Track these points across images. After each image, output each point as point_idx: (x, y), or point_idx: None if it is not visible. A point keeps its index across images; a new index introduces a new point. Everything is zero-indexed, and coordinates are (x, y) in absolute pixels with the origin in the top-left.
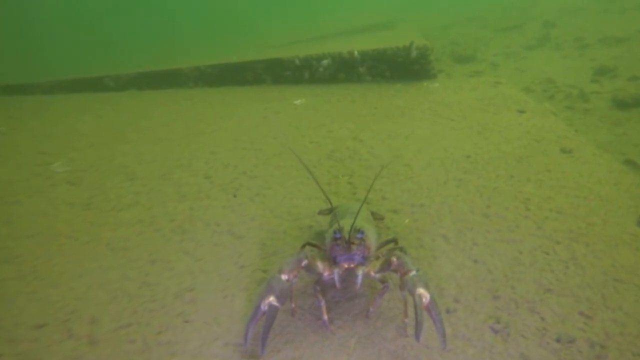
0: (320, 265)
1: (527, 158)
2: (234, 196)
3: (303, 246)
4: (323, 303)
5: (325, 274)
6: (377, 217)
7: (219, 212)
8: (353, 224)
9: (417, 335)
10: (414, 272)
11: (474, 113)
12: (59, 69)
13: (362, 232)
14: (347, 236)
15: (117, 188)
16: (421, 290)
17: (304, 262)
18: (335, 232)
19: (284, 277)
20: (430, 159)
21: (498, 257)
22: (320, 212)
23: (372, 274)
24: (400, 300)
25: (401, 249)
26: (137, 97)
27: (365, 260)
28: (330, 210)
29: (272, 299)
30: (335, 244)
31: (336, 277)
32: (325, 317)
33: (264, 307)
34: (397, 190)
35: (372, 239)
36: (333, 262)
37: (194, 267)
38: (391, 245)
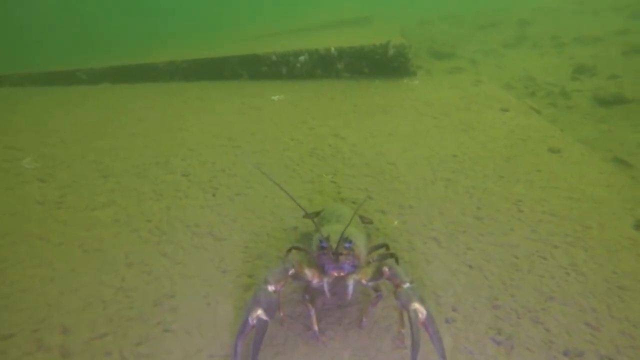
0: (308, 273)
1: (515, 158)
2: (213, 195)
3: (289, 250)
4: (313, 312)
5: (314, 281)
6: (365, 221)
7: (198, 212)
8: (342, 234)
9: (413, 356)
10: (407, 284)
11: (456, 111)
12: (31, 60)
13: (350, 242)
14: (334, 245)
15: (90, 186)
16: (416, 305)
17: (291, 271)
18: (321, 242)
19: (270, 288)
20: (415, 158)
21: (494, 262)
22: (306, 216)
23: (364, 282)
24: (395, 308)
25: (392, 255)
26: (111, 91)
27: (355, 268)
28: (317, 214)
29: (260, 312)
30: (322, 253)
31: (325, 287)
32: (316, 327)
33: (252, 321)
34: (384, 190)
35: (361, 247)
36: (321, 270)
37: (174, 271)
38: (382, 251)
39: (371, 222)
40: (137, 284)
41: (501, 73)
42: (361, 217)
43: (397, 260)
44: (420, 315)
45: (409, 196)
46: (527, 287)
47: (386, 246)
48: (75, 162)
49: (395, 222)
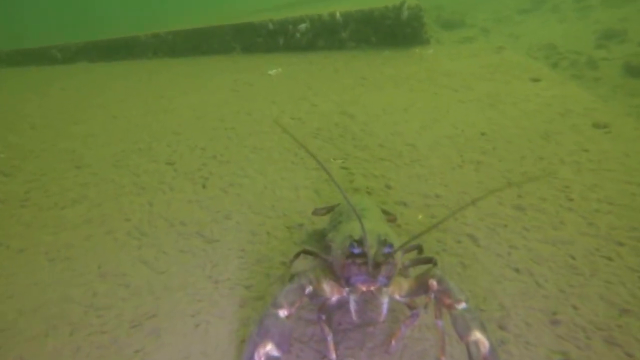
0: (327, 288)
1: (555, 135)
2: (203, 187)
3: (297, 255)
4: (330, 337)
5: (335, 297)
6: (388, 218)
7: (185, 207)
8: (379, 235)
9: None
10: (463, 305)
11: (480, 83)
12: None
13: (391, 246)
14: (371, 252)
15: (60, 179)
16: (477, 335)
17: (308, 289)
18: (351, 246)
19: (282, 313)
20: (437, 137)
21: (546, 264)
22: (316, 212)
23: (398, 297)
24: (430, 328)
25: (430, 261)
26: (89, 70)
27: (390, 280)
28: (329, 209)
29: (269, 347)
30: (353, 262)
31: (352, 308)
32: (334, 356)
33: (259, 358)
34: (403, 176)
35: (399, 252)
36: (345, 282)
37: (156, 283)
38: (413, 255)
39: (395, 220)
40: (112, 301)
41: (517, 43)
42: (384, 212)
43: (436, 264)
44: (482, 349)
45: (433, 183)
46: (593, 297)
47: (420, 248)
48: (45, 152)
49: (420, 216)
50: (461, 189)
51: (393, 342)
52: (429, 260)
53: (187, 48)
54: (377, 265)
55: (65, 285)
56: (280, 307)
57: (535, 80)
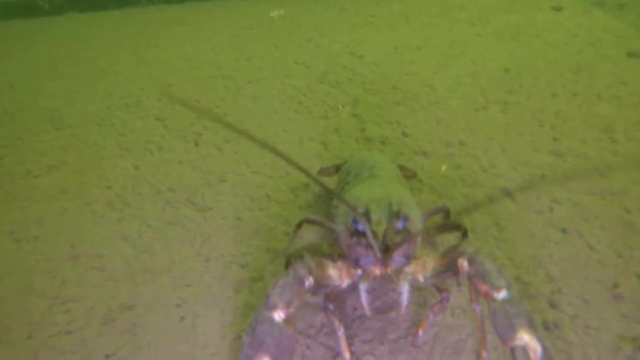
0: (334, 273)
1: (588, 68)
2: (196, 145)
3: (299, 225)
4: (342, 332)
5: (345, 283)
6: (407, 174)
7: (175, 170)
8: (390, 205)
9: None
10: (504, 295)
11: (498, 14)
12: None
13: (406, 217)
14: (379, 230)
15: (36, 142)
16: (525, 338)
17: (308, 281)
18: (355, 222)
19: (277, 316)
20: (457, 76)
21: (597, 221)
22: (321, 172)
23: (422, 278)
24: (465, 311)
25: (459, 227)
26: (78, 21)
27: (409, 259)
28: (338, 168)
29: None
30: (358, 243)
31: (363, 299)
32: (347, 355)
33: None
34: (421, 121)
35: (418, 223)
36: (354, 263)
37: (136, 264)
38: (438, 219)
39: (415, 176)
40: (82, 290)
41: None
42: (401, 168)
43: (466, 234)
44: (532, 355)
45: (456, 128)
46: None
47: (446, 212)
48: (21, 112)
49: (443, 168)
50: (488, 134)
51: (420, 332)
52: (456, 227)
53: None
54: (388, 247)
55: (29, 272)
56: (275, 308)
57: (557, 9)
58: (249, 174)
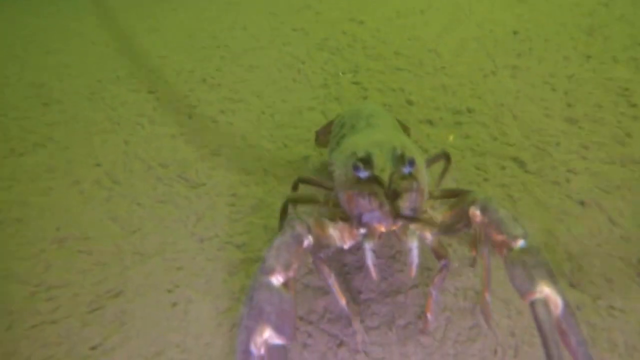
0: (335, 233)
1: (601, 29)
2: (189, 117)
3: (294, 186)
4: (332, 278)
5: (346, 244)
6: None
7: (167, 144)
8: (395, 149)
9: None
10: (521, 243)
11: None
12: None
13: (412, 162)
14: (384, 175)
15: (23, 119)
16: (546, 290)
17: (307, 241)
18: (356, 168)
19: (275, 280)
20: (462, 40)
21: (617, 192)
22: (319, 139)
23: (430, 235)
24: (479, 294)
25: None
26: None
27: (416, 212)
28: (329, 125)
29: (267, 333)
30: (360, 193)
31: (368, 260)
32: (343, 301)
33: (255, 350)
34: (427, 88)
35: (423, 168)
36: (357, 221)
37: (126, 246)
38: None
39: (408, 133)
40: (68, 276)
41: None
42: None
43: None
44: (554, 309)
45: (463, 95)
46: None
47: (447, 157)
48: (8, 87)
49: (451, 138)
50: (497, 99)
51: (429, 316)
52: (464, 192)
53: None
54: (396, 194)
55: (11, 258)
56: (272, 271)
57: None
58: (245, 147)
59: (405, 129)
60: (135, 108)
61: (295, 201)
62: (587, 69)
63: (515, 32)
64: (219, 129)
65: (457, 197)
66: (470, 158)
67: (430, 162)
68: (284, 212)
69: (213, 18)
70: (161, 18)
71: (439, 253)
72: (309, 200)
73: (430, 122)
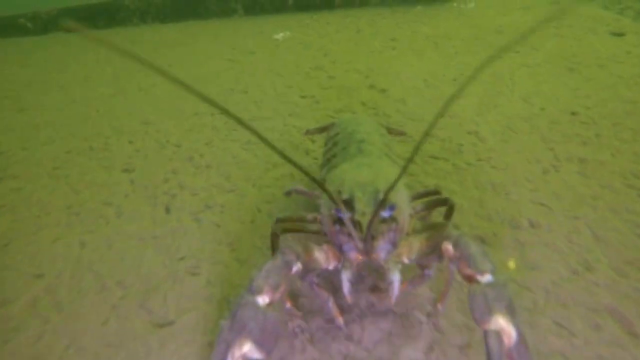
0: (321, 256)
1: None
2: (166, 211)
3: (289, 193)
4: (331, 300)
5: (331, 265)
6: (393, 132)
7: (133, 251)
8: (376, 196)
9: None
10: (488, 278)
11: (546, 41)
12: None
13: (393, 206)
14: (363, 221)
15: None
16: (501, 322)
17: (296, 267)
18: (337, 212)
19: (261, 300)
20: (508, 120)
21: None
22: (308, 132)
23: (406, 260)
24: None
25: (447, 202)
26: (62, 42)
27: (394, 246)
28: (323, 130)
29: (247, 347)
30: (341, 231)
31: (345, 288)
32: (340, 320)
33: None
34: (471, 186)
35: (406, 208)
36: (338, 249)
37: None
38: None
39: (403, 134)
40: None
41: None
42: (389, 130)
43: (452, 210)
44: (506, 341)
45: (521, 199)
46: None
47: (437, 193)
48: None
49: (511, 264)
50: (568, 209)
51: (441, 305)
52: (444, 202)
53: (179, 11)
54: (373, 236)
55: None
56: (259, 291)
57: (618, 34)
58: (232, 261)
59: (397, 131)
60: (103, 193)
61: (283, 228)
62: None
63: (573, 113)
64: (202, 232)
65: (435, 206)
66: (544, 307)
67: (419, 196)
68: (274, 238)
69: (211, 77)
70: (153, 74)
71: (422, 264)
72: (297, 226)
73: (480, 238)
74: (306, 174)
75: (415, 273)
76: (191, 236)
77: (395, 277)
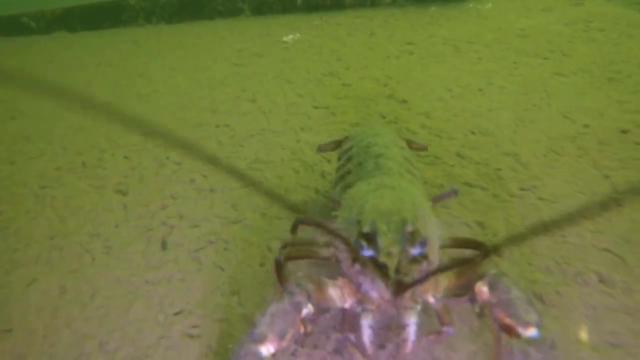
0: (334, 294)
1: None
2: (163, 247)
3: (294, 227)
4: None
5: (347, 303)
6: (414, 146)
7: (120, 301)
8: (403, 230)
9: None
10: (532, 332)
11: (574, 45)
12: None
13: (425, 242)
14: (391, 263)
15: None
16: None
17: (306, 310)
18: (359, 245)
19: (265, 350)
20: (548, 139)
21: None
22: (320, 149)
23: (432, 299)
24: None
25: (479, 246)
26: (65, 42)
27: (423, 283)
28: (338, 145)
29: None
30: (363, 272)
31: (365, 337)
32: None
33: None
34: (518, 223)
35: (435, 240)
36: (357, 287)
37: None
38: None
39: (425, 149)
40: None
41: None
42: (409, 143)
43: (487, 255)
44: None
45: (578, 240)
46: None
47: (456, 193)
48: None
49: (583, 334)
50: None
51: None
52: (476, 245)
53: (185, 12)
54: (401, 280)
55: None
56: (263, 340)
57: None
58: (237, 319)
59: (418, 145)
60: (92, 221)
61: (289, 255)
62: None
63: (623, 131)
64: (202, 277)
65: (465, 246)
66: None
67: (439, 199)
68: (279, 268)
69: (215, 83)
70: (155, 79)
71: (442, 318)
72: (306, 252)
73: (540, 299)
74: (318, 225)
75: (432, 328)
76: (190, 282)
77: (412, 321)
